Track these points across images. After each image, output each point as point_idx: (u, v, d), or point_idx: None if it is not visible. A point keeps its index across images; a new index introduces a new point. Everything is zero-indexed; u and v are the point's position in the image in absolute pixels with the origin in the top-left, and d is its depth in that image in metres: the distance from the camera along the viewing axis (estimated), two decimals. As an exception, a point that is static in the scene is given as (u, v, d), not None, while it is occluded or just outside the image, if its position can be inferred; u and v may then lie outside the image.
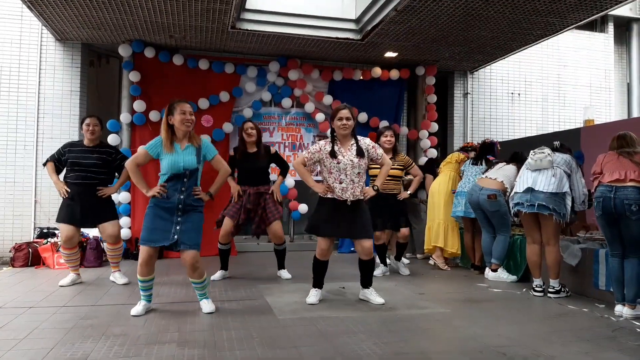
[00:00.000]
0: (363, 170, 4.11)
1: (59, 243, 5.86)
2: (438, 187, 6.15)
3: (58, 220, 4.76)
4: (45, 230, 6.42)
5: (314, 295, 4.17)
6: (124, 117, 6.81)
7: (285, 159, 7.34)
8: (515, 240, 5.38)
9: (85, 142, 4.82)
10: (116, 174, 4.98)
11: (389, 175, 5.01)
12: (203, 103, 6.94)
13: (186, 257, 3.72)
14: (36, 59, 6.78)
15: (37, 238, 6.35)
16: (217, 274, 5.12)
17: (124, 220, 6.61)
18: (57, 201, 6.58)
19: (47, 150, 6.66)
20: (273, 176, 5.63)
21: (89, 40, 6.82)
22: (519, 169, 5.07)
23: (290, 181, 7.36)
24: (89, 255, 5.87)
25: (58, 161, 4.81)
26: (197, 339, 3.17)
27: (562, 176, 4.50)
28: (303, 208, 7.38)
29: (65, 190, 4.68)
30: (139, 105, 6.76)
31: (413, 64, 7.81)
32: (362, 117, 7.53)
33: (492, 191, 5.20)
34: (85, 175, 4.70)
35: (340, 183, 4.03)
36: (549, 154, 4.56)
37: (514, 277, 5.23)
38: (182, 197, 3.72)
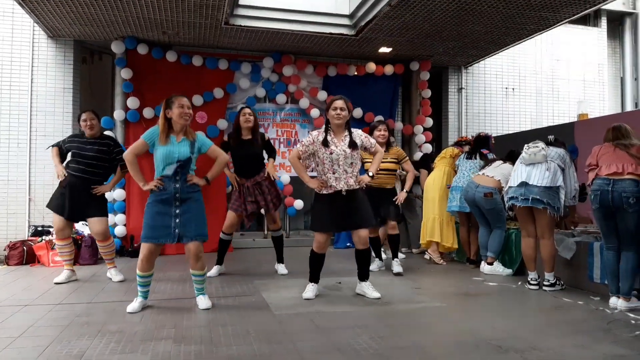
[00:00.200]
0: (356, 161, 4.13)
1: (53, 241, 5.84)
2: (433, 182, 6.16)
3: (48, 206, 4.78)
4: (39, 228, 6.39)
5: (310, 290, 4.17)
6: (118, 114, 6.77)
7: (280, 156, 7.42)
8: (510, 234, 5.41)
9: (87, 135, 4.83)
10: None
11: (382, 169, 5.03)
12: (197, 100, 6.90)
13: (190, 247, 3.75)
14: (28, 56, 6.73)
15: (31, 236, 6.33)
16: (213, 270, 5.11)
17: (119, 218, 6.59)
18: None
19: (40, 147, 6.64)
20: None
21: (81, 37, 6.77)
22: None
23: (285, 177, 7.35)
24: (84, 252, 5.84)
25: (60, 149, 4.85)
26: (193, 335, 3.17)
27: (556, 170, 4.52)
28: (299, 204, 7.38)
29: (64, 174, 4.68)
30: (132, 103, 6.73)
31: (407, 59, 7.81)
32: (357, 112, 7.52)
33: (488, 189, 5.21)
34: (85, 168, 4.70)
35: (334, 173, 4.06)
36: (543, 148, 4.58)
37: (509, 271, 5.25)
38: (177, 185, 3.72)
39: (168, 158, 3.71)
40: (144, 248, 3.71)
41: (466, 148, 6.20)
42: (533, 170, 4.57)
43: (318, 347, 2.97)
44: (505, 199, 4.82)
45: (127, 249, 6.47)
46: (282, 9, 6.40)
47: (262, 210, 5.12)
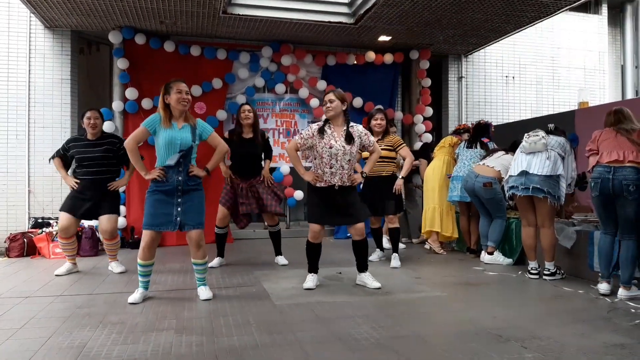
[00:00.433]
0: (354, 157, 4.13)
1: (54, 233, 5.84)
2: (432, 172, 6.15)
3: (61, 209, 4.77)
4: (40, 220, 6.39)
5: (310, 281, 4.18)
6: (116, 105, 6.74)
7: (279, 146, 7.40)
8: (510, 224, 5.41)
9: (88, 136, 4.80)
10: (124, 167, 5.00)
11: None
12: (196, 90, 6.86)
13: (192, 236, 3.76)
14: (25, 47, 6.68)
15: (31, 228, 6.33)
16: (215, 261, 5.12)
17: (120, 209, 6.58)
18: (50, 191, 6.63)
19: (39, 139, 6.62)
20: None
21: (78, 27, 6.72)
22: None
23: (285, 168, 7.34)
24: (84, 244, 5.85)
25: (64, 157, 4.82)
26: (194, 326, 3.17)
27: (556, 159, 4.51)
28: (298, 195, 7.37)
29: (75, 182, 4.70)
30: (130, 93, 6.69)
31: (407, 48, 7.76)
32: (357, 102, 7.49)
33: (487, 179, 5.20)
34: (95, 170, 4.72)
35: (331, 168, 4.05)
36: (543, 137, 4.56)
37: (509, 260, 5.26)
38: (180, 177, 3.72)
39: (171, 144, 3.69)
40: (145, 235, 3.72)
41: (465, 136, 6.17)
42: (533, 159, 4.56)
43: (319, 337, 2.98)
44: (506, 188, 4.82)
45: (127, 240, 6.47)
46: (280, -2, 6.35)
47: (267, 209, 5.06)
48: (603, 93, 9.19)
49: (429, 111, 7.96)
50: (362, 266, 4.29)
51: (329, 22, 6.58)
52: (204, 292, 3.85)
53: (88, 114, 4.79)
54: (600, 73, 9.25)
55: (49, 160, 4.95)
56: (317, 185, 4.10)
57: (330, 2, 6.56)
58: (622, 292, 3.87)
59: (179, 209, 3.72)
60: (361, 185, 4.31)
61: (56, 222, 6.17)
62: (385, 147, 5.15)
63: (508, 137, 5.85)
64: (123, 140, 5.04)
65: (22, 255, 5.79)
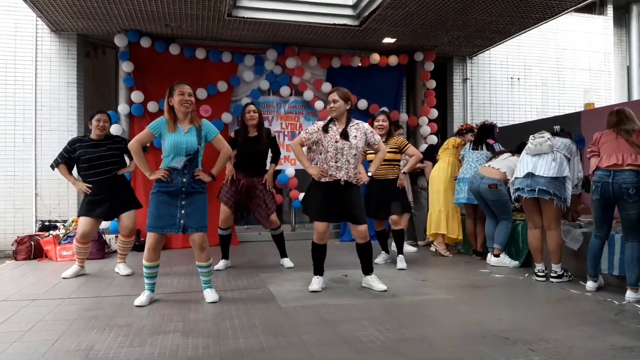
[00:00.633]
0: (360, 153, 4.12)
1: (61, 235, 5.87)
2: (437, 174, 6.14)
3: (80, 214, 4.79)
4: (46, 223, 6.42)
5: (316, 283, 4.18)
6: (122, 108, 6.77)
7: (285, 148, 7.40)
8: (516, 226, 5.39)
9: (93, 136, 4.82)
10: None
11: (383, 160, 4.99)
12: (201, 93, 6.89)
13: (195, 239, 3.76)
14: (32, 51, 6.72)
15: (39, 231, 6.36)
16: (220, 264, 5.13)
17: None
18: (57, 193, 6.66)
19: (45, 142, 6.65)
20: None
21: (84, 30, 6.76)
22: None
23: (290, 170, 7.35)
24: (91, 247, 5.85)
25: (68, 159, 4.81)
26: (201, 328, 3.18)
27: (562, 160, 4.50)
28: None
29: (87, 187, 4.71)
30: (136, 96, 6.72)
31: (411, 50, 7.76)
32: (362, 104, 7.49)
33: (493, 181, 5.19)
34: (105, 169, 4.75)
35: (336, 162, 4.05)
36: (548, 138, 4.55)
37: (516, 263, 5.24)
38: (184, 179, 3.73)
39: (176, 148, 3.71)
40: (150, 237, 3.73)
41: (469, 136, 6.17)
42: (539, 161, 4.55)
43: (324, 339, 2.98)
44: (512, 190, 4.80)
45: (134, 243, 6.47)
46: (284, 0, 6.36)
47: (258, 217, 5.09)
48: (609, 94, 9.14)
49: (434, 113, 7.95)
50: (368, 269, 4.28)
51: (334, 24, 6.59)
52: (210, 295, 3.85)
53: (97, 116, 4.82)
54: (606, 74, 9.20)
55: (52, 167, 4.90)
56: (322, 180, 4.10)
57: (335, 4, 6.57)
58: (630, 295, 3.85)
59: (183, 211, 3.73)
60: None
61: (63, 225, 6.21)
62: (390, 149, 5.08)
63: (513, 138, 5.84)
64: (127, 140, 5.09)
65: (29, 258, 5.82)
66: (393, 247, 5.54)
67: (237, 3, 6.18)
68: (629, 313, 3.54)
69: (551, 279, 4.54)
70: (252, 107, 5.11)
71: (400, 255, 5.24)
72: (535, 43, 8.72)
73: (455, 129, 8.12)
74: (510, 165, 5.22)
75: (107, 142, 4.84)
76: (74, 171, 4.92)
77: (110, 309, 3.66)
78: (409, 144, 5.24)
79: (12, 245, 5.99)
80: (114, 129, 6.53)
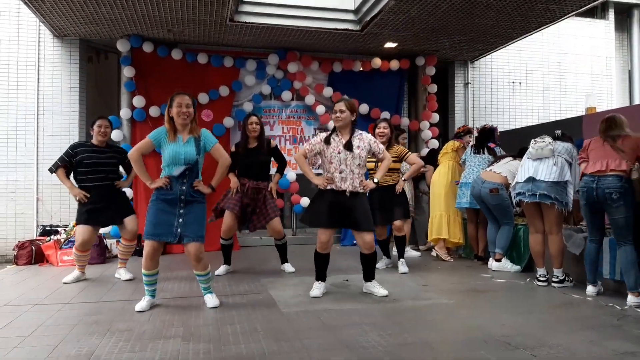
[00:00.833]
0: (364, 162, 4.12)
1: (62, 240, 5.87)
2: (438, 178, 6.14)
3: (79, 222, 4.75)
4: (47, 228, 6.42)
5: (317, 288, 4.17)
6: (124, 113, 6.79)
7: (286, 153, 7.41)
8: (518, 230, 5.37)
9: (95, 142, 4.83)
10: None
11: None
12: (203, 97, 6.91)
13: (190, 249, 3.73)
14: (34, 56, 6.75)
15: (40, 236, 6.36)
16: (221, 269, 5.12)
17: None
18: (58, 198, 6.67)
19: (47, 147, 6.67)
20: (273, 169, 5.56)
21: (86, 36, 6.78)
22: None
23: (291, 175, 7.35)
24: (92, 252, 5.81)
25: (69, 163, 4.77)
26: (202, 334, 3.17)
27: (563, 165, 4.49)
28: (305, 202, 7.36)
29: (84, 195, 4.68)
30: (138, 101, 6.74)
31: (413, 55, 7.77)
32: (363, 108, 7.50)
33: (494, 185, 5.18)
34: (104, 176, 4.76)
35: (340, 173, 4.05)
36: (549, 143, 4.55)
37: (517, 267, 5.22)
38: (183, 188, 3.72)
39: (175, 159, 3.71)
40: (147, 245, 3.72)
41: (467, 138, 6.18)
42: (540, 166, 4.54)
43: (326, 344, 2.97)
44: (513, 194, 4.79)
45: (135, 247, 6.47)
46: (286, 5, 6.38)
47: (262, 222, 5.06)
48: (610, 98, 9.14)
49: (436, 117, 7.95)
50: (370, 276, 4.27)
51: (335, 29, 6.60)
52: (210, 300, 3.85)
53: (99, 122, 4.82)
54: (608, 78, 9.21)
55: (50, 171, 4.82)
56: (328, 187, 4.08)
57: (337, 9, 6.59)
58: (630, 299, 3.85)
59: (180, 220, 3.71)
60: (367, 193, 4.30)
61: (64, 229, 6.21)
62: (391, 157, 5.11)
63: (515, 143, 5.83)
64: (126, 151, 5.10)
65: (30, 263, 5.82)
66: (394, 251, 5.55)
67: (239, 8, 6.20)
68: (631, 318, 3.53)
69: (553, 284, 4.52)
70: (254, 118, 5.09)
71: (401, 260, 5.24)
72: (536, 47, 8.73)
73: (456, 133, 8.14)
74: (511, 170, 5.22)
75: (108, 150, 4.87)
76: (71, 177, 4.88)
77: (110, 314, 3.65)
78: (409, 152, 5.26)
79: (13, 250, 5.99)
80: (116, 134, 6.55)
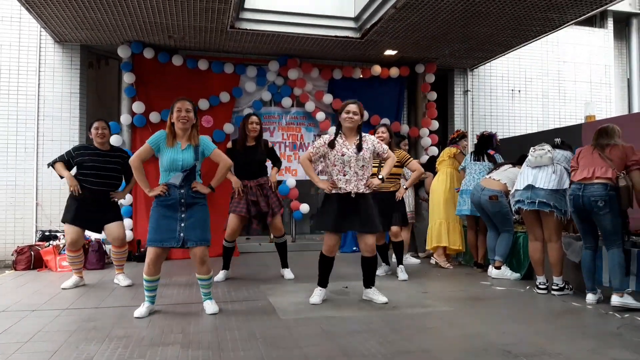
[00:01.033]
0: (367, 164, 4.13)
1: (61, 246, 5.86)
2: (437, 186, 6.15)
3: (64, 220, 4.76)
4: (47, 233, 6.42)
5: (317, 295, 4.16)
6: (124, 119, 6.80)
7: (286, 159, 7.42)
8: (518, 238, 5.37)
9: (97, 145, 4.83)
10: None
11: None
12: (203, 104, 6.92)
13: (196, 252, 3.76)
14: (35, 61, 6.77)
15: (39, 241, 6.35)
16: (220, 275, 5.11)
17: (126, 222, 6.57)
18: (58, 203, 6.65)
19: (47, 152, 6.66)
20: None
21: (88, 41, 6.80)
22: None
23: (291, 181, 7.35)
24: (91, 257, 5.86)
25: (67, 162, 4.78)
26: (201, 340, 3.16)
27: (562, 173, 4.51)
28: (304, 208, 7.37)
29: (78, 190, 4.66)
30: (138, 107, 6.75)
31: (413, 62, 7.79)
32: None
33: (493, 192, 5.19)
34: (102, 181, 4.74)
35: (344, 175, 4.06)
36: (548, 151, 4.56)
37: (517, 275, 5.22)
38: (182, 191, 3.73)
39: (172, 165, 3.72)
40: (150, 252, 3.72)
41: (463, 142, 6.20)
42: (539, 173, 4.55)
43: (325, 352, 2.96)
44: (512, 202, 4.80)
45: (134, 253, 6.47)
46: (287, 12, 6.42)
47: (268, 219, 5.08)
48: (609, 106, 9.17)
49: (435, 124, 7.97)
50: (370, 282, 4.26)
51: (336, 36, 6.63)
52: (210, 306, 3.84)
53: (96, 124, 4.83)
54: (607, 86, 9.24)
55: (48, 165, 4.84)
56: (333, 192, 4.10)
57: (337, 17, 6.62)
58: (615, 299, 3.94)
59: (182, 224, 3.72)
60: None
61: (63, 235, 6.19)
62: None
63: (514, 150, 5.84)
64: (129, 154, 5.10)
65: (29, 268, 5.80)
66: (393, 258, 5.54)
67: (240, 15, 6.23)
68: (631, 326, 3.52)
69: (553, 292, 4.52)
70: (255, 118, 5.12)
71: (400, 266, 5.24)
72: (536, 55, 8.77)
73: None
74: (510, 177, 5.22)
75: (112, 155, 4.86)
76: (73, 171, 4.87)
77: (109, 320, 3.64)
78: (411, 158, 5.26)
79: (12, 255, 5.98)
80: (115, 140, 6.55)
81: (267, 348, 3.01)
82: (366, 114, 7.50)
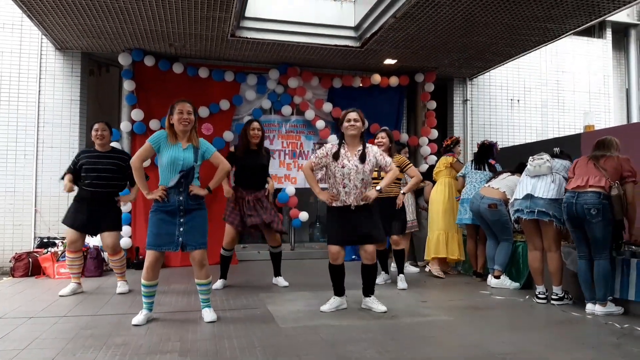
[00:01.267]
0: (368, 177, 4.12)
1: (59, 253, 5.85)
2: (436, 196, 6.14)
3: (64, 221, 4.79)
4: (45, 240, 6.40)
5: (329, 303, 4.15)
6: (124, 126, 6.81)
7: (285, 167, 7.43)
8: (517, 247, 5.37)
9: (97, 147, 4.85)
10: (128, 182, 4.99)
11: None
12: (203, 111, 6.93)
13: (195, 256, 3.77)
14: (36, 68, 6.78)
15: (37, 248, 6.33)
16: (218, 283, 5.09)
17: (125, 230, 6.57)
18: (57, 210, 6.64)
19: (47, 159, 6.67)
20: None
21: (88, 49, 6.83)
22: None
23: (290, 189, 7.35)
24: (89, 264, 5.83)
25: (73, 171, 4.80)
26: (199, 348, 3.15)
27: (561, 182, 4.51)
28: (304, 216, 7.36)
29: (70, 187, 4.67)
30: (138, 114, 6.76)
31: (412, 71, 7.83)
32: (362, 124, 7.52)
33: (492, 200, 5.19)
34: (101, 182, 4.74)
35: (344, 187, 4.05)
36: (547, 160, 4.57)
37: (516, 284, 5.20)
38: (181, 197, 3.73)
39: (173, 164, 3.71)
40: (149, 256, 3.72)
41: (457, 148, 6.22)
42: (538, 183, 4.56)
43: (324, 361, 2.95)
44: (511, 211, 4.80)
45: (132, 260, 6.45)
46: (288, 21, 6.45)
47: (272, 225, 5.05)
48: (608, 116, 9.20)
49: (434, 133, 7.99)
50: (369, 290, 4.25)
51: (336, 45, 6.67)
52: (208, 314, 3.82)
53: (96, 126, 4.86)
54: (605, 96, 9.27)
55: (60, 179, 4.91)
56: (334, 204, 4.10)
57: (337, 26, 6.66)
58: (598, 309, 4.02)
59: (181, 229, 3.73)
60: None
61: (62, 242, 6.18)
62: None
63: (514, 160, 5.84)
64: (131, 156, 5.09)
65: (26, 275, 5.79)
66: (393, 267, 5.53)
67: (240, 24, 6.27)
68: (631, 336, 3.50)
69: (552, 302, 4.51)
70: (256, 124, 5.11)
71: (400, 275, 5.23)
72: (535, 65, 8.80)
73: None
74: (509, 185, 5.23)
75: (112, 156, 4.86)
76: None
77: (107, 327, 3.62)
78: (411, 164, 5.24)
79: (10, 261, 5.96)
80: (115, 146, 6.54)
81: (266, 356, 3.00)
82: (366, 123, 7.54)
